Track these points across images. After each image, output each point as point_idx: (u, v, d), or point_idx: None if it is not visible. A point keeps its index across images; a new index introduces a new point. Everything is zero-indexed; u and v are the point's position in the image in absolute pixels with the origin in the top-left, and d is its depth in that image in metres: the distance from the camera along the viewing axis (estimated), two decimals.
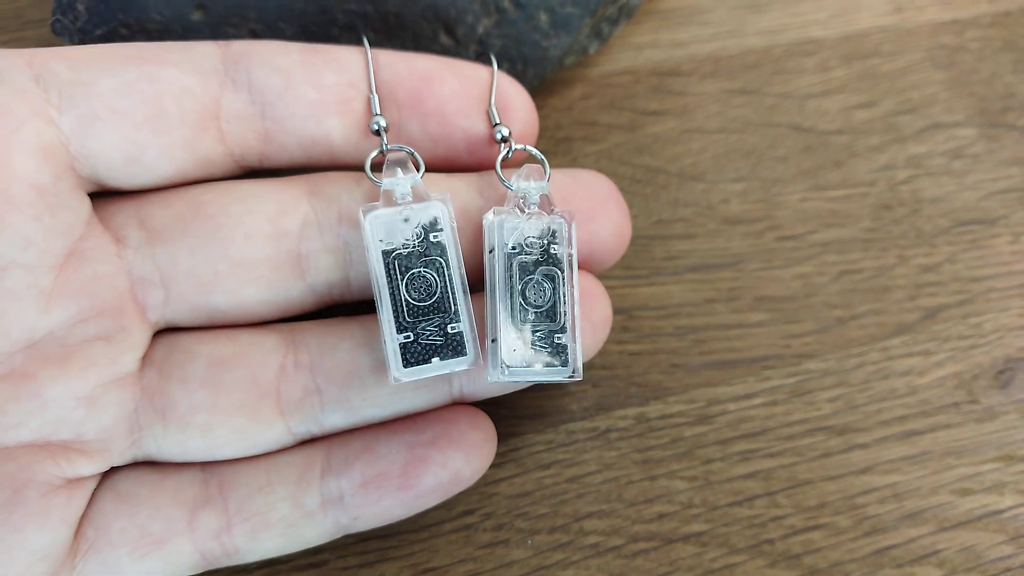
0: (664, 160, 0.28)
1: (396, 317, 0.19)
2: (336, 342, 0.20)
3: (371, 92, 0.20)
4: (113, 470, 0.20)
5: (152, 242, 0.19)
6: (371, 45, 0.21)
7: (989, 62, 0.31)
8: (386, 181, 0.20)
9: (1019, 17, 0.32)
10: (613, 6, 0.27)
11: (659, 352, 0.25)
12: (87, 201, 0.19)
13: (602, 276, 0.26)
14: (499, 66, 0.24)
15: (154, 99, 0.19)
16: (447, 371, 0.19)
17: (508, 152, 0.21)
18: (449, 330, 0.19)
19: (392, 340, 0.19)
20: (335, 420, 0.20)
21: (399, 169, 0.20)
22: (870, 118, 0.29)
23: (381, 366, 0.20)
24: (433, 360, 0.19)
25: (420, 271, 0.19)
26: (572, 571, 0.22)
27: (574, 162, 0.27)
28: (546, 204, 0.20)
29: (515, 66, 0.26)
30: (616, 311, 0.25)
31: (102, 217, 0.19)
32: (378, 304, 0.19)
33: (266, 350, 0.20)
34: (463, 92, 0.21)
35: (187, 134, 0.19)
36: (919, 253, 0.27)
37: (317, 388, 0.20)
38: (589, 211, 0.21)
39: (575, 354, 0.20)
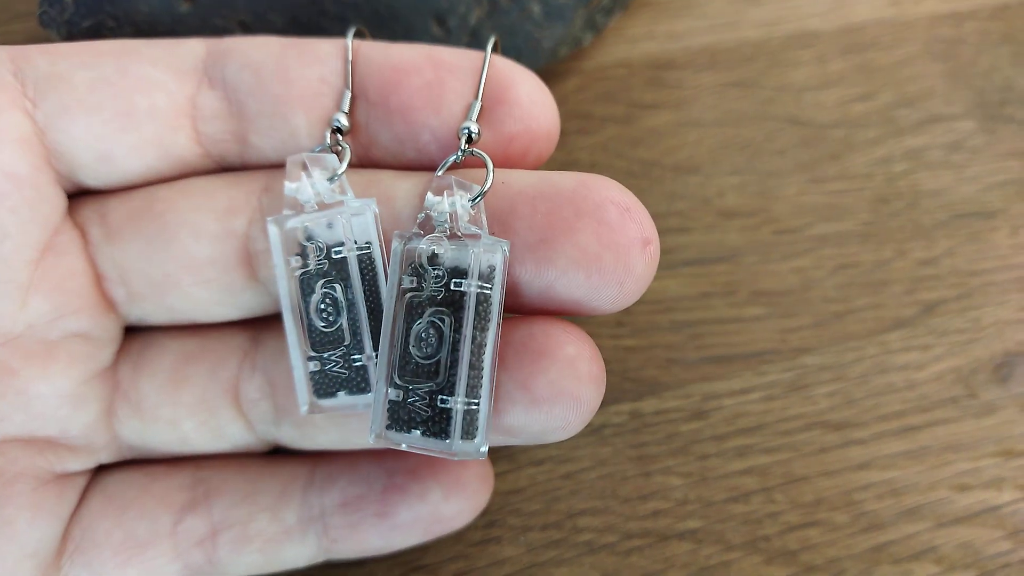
0: (659, 153, 0.28)
1: (300, 343, 0.17)
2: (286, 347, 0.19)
3: (346, 87, 0.18)
4: (104, 471, 0.20)
5: (110, 239, 0.19)
6: (365, 38, 0.19)
7: (988, 54, 0.30)
8: (288, 185, 0.17)
9: (1018, 10, 0.32)
10: None
11: (654, 347, 0.25)
12: (64, 197, 0.18)
13: None
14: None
15: (124, 93, 0.18)
16: (352, 408, 0.17)
17: (458, 156, 0.17)
18: (353, 362, 0.17)
19: (301, 367, 0.17)
20: (290, 433, 0.19)
21: (303, 172, 0.17)
22: (868, 111, 0.29)
23: None
24: (339, 394, 0.17)
25: (325, 293, 0.17)
26: (565, 569, 0.22)
27: (569, 155, 0.27)
28: (478, 224, 0.16)
29: (507, 57, 0.26)
30: None
31: (70, 211, 0.19)
32: (286, 325, 0.17)
33: (230, 348, 0.20)
34: (438, 85, 0.18)
35: (157, 131, 0.18)
36: (917, 246, 0.27)
37: (271, 393, 0.19)
38: (551, 234, 0.16)
39: (476, 423, 0.16)
